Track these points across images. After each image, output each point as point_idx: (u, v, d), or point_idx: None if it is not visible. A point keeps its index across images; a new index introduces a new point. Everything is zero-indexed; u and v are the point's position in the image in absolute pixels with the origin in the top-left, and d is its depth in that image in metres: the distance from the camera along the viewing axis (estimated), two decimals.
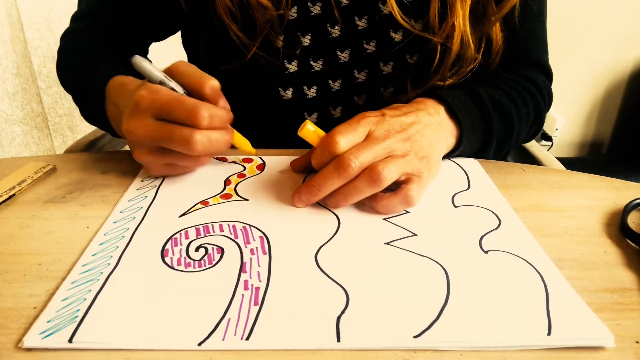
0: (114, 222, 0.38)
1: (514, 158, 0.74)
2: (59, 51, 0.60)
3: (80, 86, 0.53)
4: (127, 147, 0.74)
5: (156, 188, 0.43)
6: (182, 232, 0.37)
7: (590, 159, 1.65)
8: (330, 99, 0.55)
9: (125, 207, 0.40)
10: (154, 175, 0.45)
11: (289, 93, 0.54)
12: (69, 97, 1.22)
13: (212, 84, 0.41)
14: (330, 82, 0.54)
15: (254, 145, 0.47)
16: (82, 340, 0.27)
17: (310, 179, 0.40)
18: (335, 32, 0.51)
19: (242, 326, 0.28)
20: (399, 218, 0.40)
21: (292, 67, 0.52)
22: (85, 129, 1.25)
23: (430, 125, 0.43)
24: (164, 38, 0.61)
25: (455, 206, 0.41)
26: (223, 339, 0.28)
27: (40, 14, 1.10)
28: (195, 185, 0.44)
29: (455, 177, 0.46)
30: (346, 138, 0.39)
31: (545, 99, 0.57)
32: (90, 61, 0.53)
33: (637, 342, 0.29)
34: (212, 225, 0.38)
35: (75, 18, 0.60)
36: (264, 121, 0.57)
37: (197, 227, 0.38)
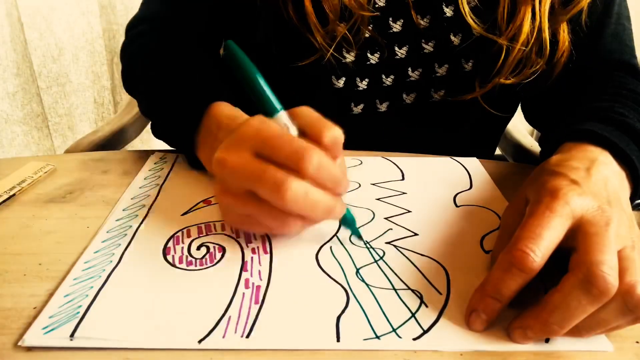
0: (117, 220, 0.38)
1: (515, 158, 0.74)
2: (129, 56, 0.56)
3: (167, 101, 0.48)
4: (127, 147, 0.74)
5: (159, 187, 0.43)
6: (184, 230, 0.37)
7: None
8: (380, 93, 0.55)
9: (128, 205, 0.40)
10: (229, 224, 0.38)
11: (341, 82, 0.54)
12: (69, 97, 1.22)
13: (333, 133, 0.32)
14: (384, 76, 0.54)
15: None
16: (84, 336, 0.27)
17: (540, 309, 0.27)
18: (397, 27, 0.51)
19: (243, 324, 0.28)
20: (400, 217, 0.40)
21: (350, 57, 0.52)
22: (85, 129, 1.24)
23: (615, 179, 0.34)
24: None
25: (457, 206, 0.41)
26: (223, 337, 0.28)
27: (40, 14, 1.10)
28: (198, 184, 0.44)
29: (457, 177, 0.46)
30: (543, 244, 0.28)
31: None
32: (183, 75, 0.48)
33: (637, 342, 0.29)
34: (214, 224, 0.38)
35: (139, 21, 0.57)
36: (311, 107, 0.56)
37: (199, 225, 0.38)
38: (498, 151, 0.78)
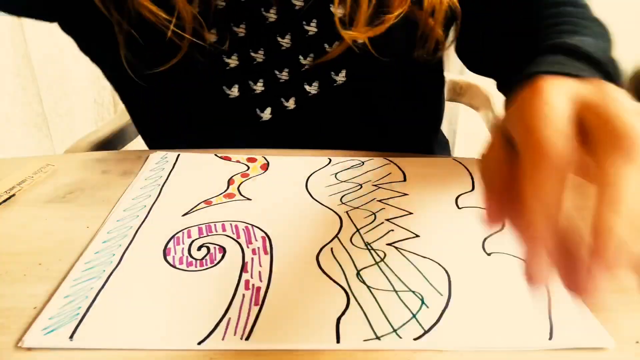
0: (118, 221, 0.38)
1: None
2: None
3: None
4: (127, 147, 0.74)
5: (160, 187, 0.43)
6: (185, 231, 0.37)
7: None
8: (280, 91, 0.52)
9: (128, 206, 0.40)
10: None
11: (234, 91, 0.51)
12: (69, 97, 1.22)
13: None
14: (277, 72, 0.50)
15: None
16: (83, 338, 0.27)
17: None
18: (272, 16, 0.48)
19: (242, 326, 0.28)
20: (402, 219, 0.40)
21: (233, 61, 0.49)
22: (85, 129, 1.24)
23: None
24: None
25: (459, 207, 0.41)
26: (223, 339, 0.28)
27: None
28: (199, 185, 0.44)
29: (460, 178, 0.46)
30: (555, 127, 0.22)
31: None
32: None
33: (637, 342, 0.29)
34: (215, 225, 0.38)
35: None
36: (215, 123, 0.54)
37: (199, 226, 0.38)
38: None
